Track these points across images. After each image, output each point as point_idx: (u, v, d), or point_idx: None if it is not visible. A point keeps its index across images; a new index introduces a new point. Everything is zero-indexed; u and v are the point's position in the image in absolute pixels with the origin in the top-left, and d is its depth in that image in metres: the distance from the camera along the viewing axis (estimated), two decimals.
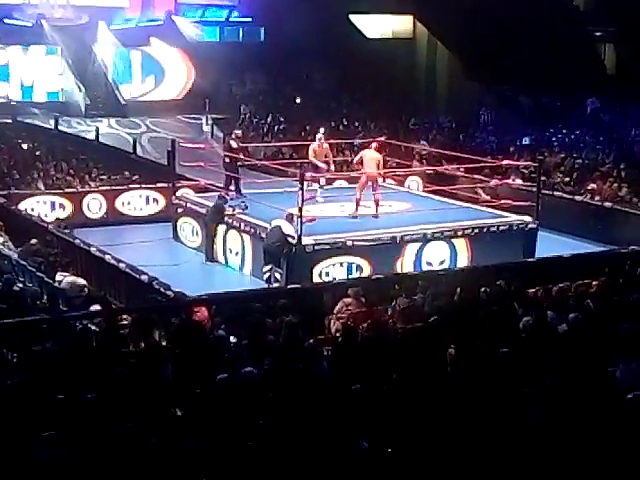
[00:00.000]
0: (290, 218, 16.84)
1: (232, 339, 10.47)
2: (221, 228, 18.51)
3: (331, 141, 26.02)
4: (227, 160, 20.24)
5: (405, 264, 17.43)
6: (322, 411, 7.73)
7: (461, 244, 17.94)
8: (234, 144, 20.43)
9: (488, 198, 20.67)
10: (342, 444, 7.04)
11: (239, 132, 21.37)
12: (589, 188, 22.52)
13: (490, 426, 7.50)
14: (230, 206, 18.59)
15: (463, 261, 17.82)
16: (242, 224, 18.13)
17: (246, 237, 18.00)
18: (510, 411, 7.81)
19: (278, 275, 16.57)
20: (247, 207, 18.42)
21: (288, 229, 16.71)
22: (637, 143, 26.14)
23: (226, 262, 18.56)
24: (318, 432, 7.29)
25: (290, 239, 16.66)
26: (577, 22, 32.26)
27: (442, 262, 17.71)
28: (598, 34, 32.83)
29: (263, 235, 17.21)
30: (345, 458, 6.89)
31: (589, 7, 32.90)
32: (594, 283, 13.10)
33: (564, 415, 7.66)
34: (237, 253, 18.28)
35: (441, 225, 17.97)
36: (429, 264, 17.59)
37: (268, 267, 16.70)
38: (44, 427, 7.24)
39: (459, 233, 17.97)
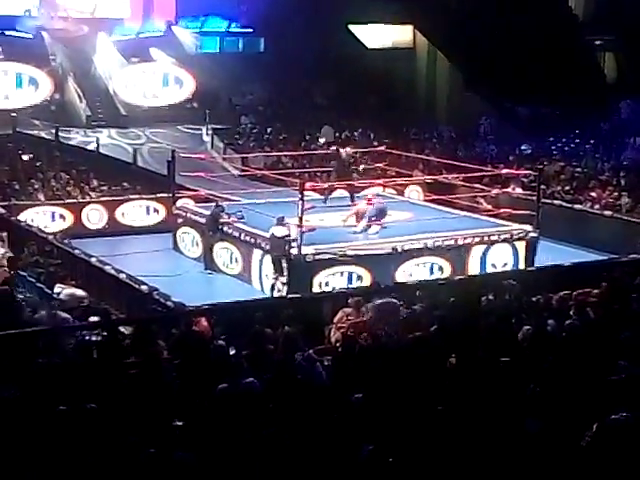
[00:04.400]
0: (280, 221, 16.90)
1: (231, 350, 10.46)
2: (219, 237, 18.52)
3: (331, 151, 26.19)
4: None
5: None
6: (322, 421, 7.72)
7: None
8: (344, 154, 20.75)
9: (489, 207, 20.69)
10: (342, 454, 7.03)
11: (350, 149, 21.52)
12: (589, 196, 22.56)
13: (489, 434, 7.48)
14: (227, 214, 18.64)
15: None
16: (241, 233, 18.15)
17: (244, 246, 18.02)
18: (509, 419, 7.80)
19: (280, 284, 16.58)
20: (243, 217, 18.46)
21: (281, 232, 16.75)
22: (635, 150, 26.16)
23: (225, 271, 18.57)
24: (318, 442, 7.29)
25: (286, 240, 16.67)
26: (576, 31, 32.29)
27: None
28: (598, 43, 32.86)
29: (263, 245, 17.25)
30: (345, 468, 6.89)
31: (588, 16, 32.93)
32: (594, 292, 13.08)
33: (562, 423, 7.66)
34: (235, 261, 18.30)
35: (441, 235, 18.00)
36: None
37: (273, 276, 16.73)
38: (44, 439, 7.23)
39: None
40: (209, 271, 18.75)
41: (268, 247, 17.07)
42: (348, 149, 21.19)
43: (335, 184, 20.94)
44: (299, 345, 10.14)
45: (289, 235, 16.80)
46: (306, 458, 7.04)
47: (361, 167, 21.01)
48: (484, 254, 18.27)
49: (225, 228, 18.54)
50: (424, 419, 7.89)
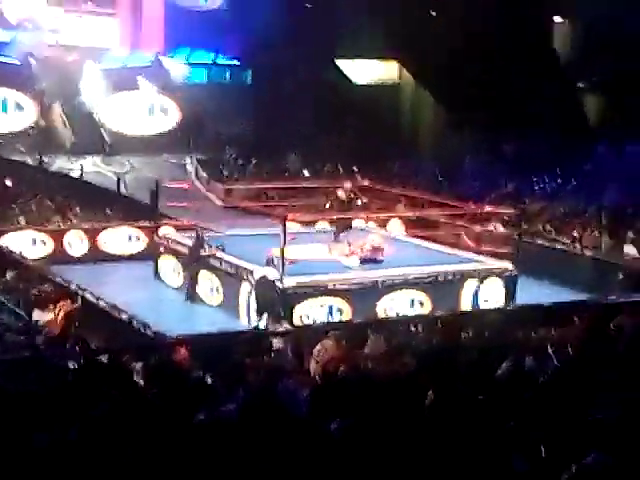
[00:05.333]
0: (270, 261, 16.91)
1: (209, 379, 10.44)
2: (200, 267, 18.49)
3: (316, 185, 26.30)
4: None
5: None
6: (301, 451, 7.71)
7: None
8: (343, 196, 20.30)
9: (471, 244, 20.82)
10: None
11: (348, 185, 20.82)
12: (570, 236, 22.71)
13: (473, 470, 7.49)
14: (209, 245, 18.62)
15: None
16: (222, 264, 18.14)
17: (227, 277, 17.99)
18: (493, 456, 7.80)
19: (262, 324, 16.49)
20: (224, 249, 18.44)
21: (273, 274, 16.74)
22: (617, 191, 26.35)
23: (205, 301, 18.54)
24: (297, 473, 7.28)
25: (277, 283, 16.68)
26: (560, 72, 32.61)
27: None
28: (581, 85, 33.21)
29: (249, 278, 17.20)
30: None
31: (571, 58, 33.29)
32: (573, 331, 13.16)
33: (542, 462, 7.67)
34: (217, 292, 18.27)
35: (423, 270, 18.06)
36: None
37: (258, 318, 16.64)
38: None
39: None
40: (189, 301, 18.66)
41: (256, 289, 16.99)
42: (347, 185, 20.73)
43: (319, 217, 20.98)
44: (279, 375, 10.14)
45: (280, 279, 16.76)
46: None
47: (359, 202, 20.67)
48: (465, 290, 18.32)
49: (207, 259, 18.47)
50: (404, 452, 7.89)
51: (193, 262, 18.66)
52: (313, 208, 24.23)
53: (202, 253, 18.49)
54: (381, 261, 18.59)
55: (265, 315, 16.42)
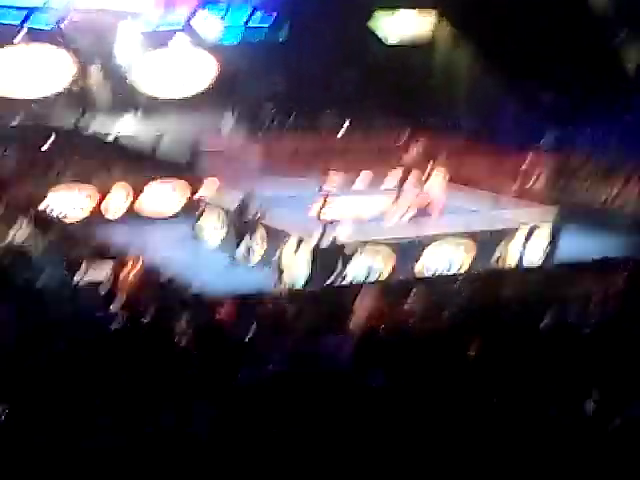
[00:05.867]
0: (330, 223, 17.04)
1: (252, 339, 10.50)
2: (247, 229, 18.37)
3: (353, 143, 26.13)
4: None
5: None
6: (342, 409, 7.74)
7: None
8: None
9: (514, 196, 20.77)
10: (363, 439, 7.06)
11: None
12: (611, 189, 22.50)
13: (515, 423, 7.50)
14: (255, 209, 18.34)
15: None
16: (268, 227, 17.99)
17: (273, 236, 17.85)
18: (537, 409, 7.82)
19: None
20: (270, 210, 18.24)
21: (334, 233, 16.79)
22: None
23: (250, 262, 18.45)
24: (339, 431, 7.31)
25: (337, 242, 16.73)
26: (602, 22, 32.06)
27: None
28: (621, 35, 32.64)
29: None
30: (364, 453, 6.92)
31: (613, 8, 32.72)
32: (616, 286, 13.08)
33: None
34: (261, 253, 18.19)
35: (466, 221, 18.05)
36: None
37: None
38: None
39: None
40: (235, 261, 18.46)
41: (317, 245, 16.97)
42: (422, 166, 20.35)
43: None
44: (321, 332, 10.19)
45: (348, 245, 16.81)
46: (328, 445, 7.06)
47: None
48: (510, 242, 18.30)
49: (254, 220, 18.30)
50: (446, 408, 7.90)
51: (240, 224, 18.43)
52: (353, 166, 24.17)
53: (249, 215, 18.26)
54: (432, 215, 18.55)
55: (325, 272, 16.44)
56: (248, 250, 18.31)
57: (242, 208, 18.45)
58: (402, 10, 36.70)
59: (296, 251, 17.08)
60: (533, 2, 30.25)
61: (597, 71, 29.24)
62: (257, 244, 18.29)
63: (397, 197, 19.31)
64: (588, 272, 14.75)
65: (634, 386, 8.52)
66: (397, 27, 37.44)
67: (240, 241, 18.49)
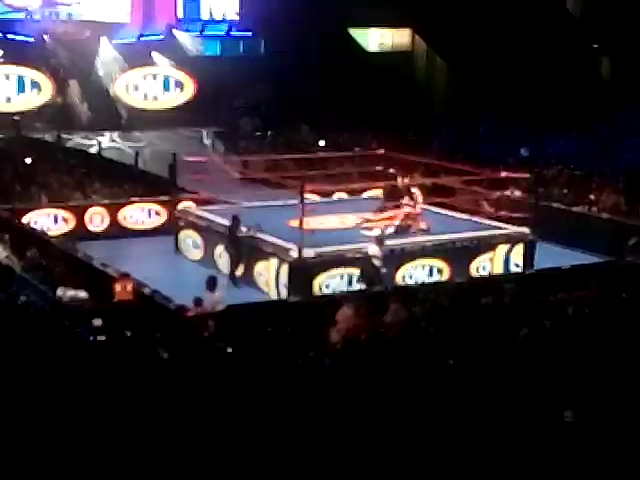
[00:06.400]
0: (380, 241, 17.03)
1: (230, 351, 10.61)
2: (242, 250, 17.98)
3: (330, 154, 26.34)
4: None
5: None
6: (322, 419, 7.86)
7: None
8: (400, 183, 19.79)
9: (491, 210, 20.86)
10: (343, 452, 7.18)
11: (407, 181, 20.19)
12: (587, 199, 22.72)
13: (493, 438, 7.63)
14: (246, 226, 18.04)
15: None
16: (262, 245, 17.81)
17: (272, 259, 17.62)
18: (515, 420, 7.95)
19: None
20: (262, 229, 17.94)
21: (373, 250, 16.89)
22: (632, 152, 26.29)
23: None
24: (320, 443, 7.43)
25: (375, 260, 16.78)
26: (574, 34, 32.44)
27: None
28: (595, 46, 33.03)
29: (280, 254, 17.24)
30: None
31: (585, 19, 33.10)
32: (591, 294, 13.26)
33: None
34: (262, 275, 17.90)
35: (441, 237, 18.15)
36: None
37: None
38: None
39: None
40: (237, 285, 17.83)
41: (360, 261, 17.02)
42: (406, 180, 20.25)
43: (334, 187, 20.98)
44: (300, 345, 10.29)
45: (378, 256, 16.86)
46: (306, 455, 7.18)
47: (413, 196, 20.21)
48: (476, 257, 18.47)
49: (247, 241, 17.94)
50: (424, 418, 8.03)
51: (232, 244, 18.07)
52: (330, 179, 24.34)
53: (240, 234, 17.94)
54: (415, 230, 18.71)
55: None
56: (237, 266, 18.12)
57: (234, 227, 18.06)
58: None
59: (276, 264, 17.18)
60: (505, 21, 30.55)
61: (566, 85, 29.61)
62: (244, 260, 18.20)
63: (376, 210, 19.47)
64: (562, 280, 14.98)
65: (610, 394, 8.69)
66: (375, 39, 37.82)
67: (236, 260, 18.02)
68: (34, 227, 20.38)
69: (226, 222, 18.93)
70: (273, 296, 17.06)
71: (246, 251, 17.93)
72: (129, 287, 14.41)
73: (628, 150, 26.54)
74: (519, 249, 18.74)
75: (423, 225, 18.81)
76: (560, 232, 20.67)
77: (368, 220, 19.07)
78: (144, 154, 29.69)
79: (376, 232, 18.24)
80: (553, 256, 19.05)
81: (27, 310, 12.74)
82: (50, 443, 7.39)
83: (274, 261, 17.30)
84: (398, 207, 19.01)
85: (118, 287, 14.36)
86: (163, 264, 19.56)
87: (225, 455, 7.33)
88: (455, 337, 11.00)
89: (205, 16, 35.31)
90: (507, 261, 18.70)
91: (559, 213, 21.77)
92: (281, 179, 21.10)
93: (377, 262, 16.79)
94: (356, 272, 17.08)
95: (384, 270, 16.84)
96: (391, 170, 21.81)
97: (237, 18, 35.27)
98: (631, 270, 15.75)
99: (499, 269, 18.55)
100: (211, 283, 14.49)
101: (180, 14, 34.96)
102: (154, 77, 33.58)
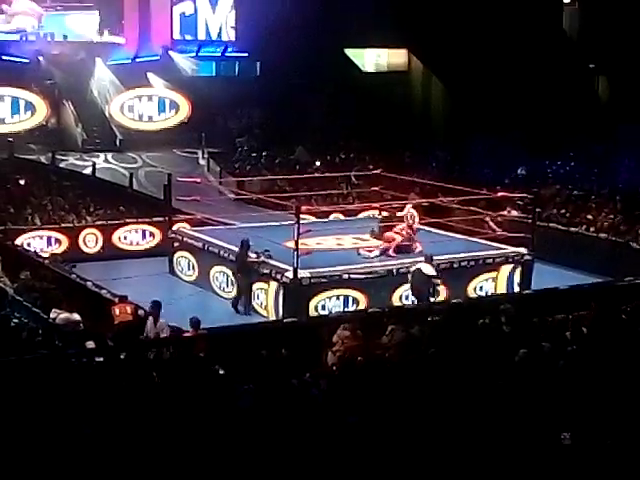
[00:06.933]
0: (429, 259, 16.96)
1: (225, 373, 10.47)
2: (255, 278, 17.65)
3: (327, 175, 26.27)
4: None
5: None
6: (318, 443, 7.72)
7: None
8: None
9: (497, 229, 20.81)
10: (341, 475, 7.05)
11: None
12: (585, 219, 22.65)
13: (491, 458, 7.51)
14: (255, 252, 17.72)
15: None
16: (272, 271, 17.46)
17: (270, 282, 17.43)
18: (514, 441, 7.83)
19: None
20: (271, 255, 17.61)
21: (428, 270, 16.83)
22: (630, 172, 26.26)
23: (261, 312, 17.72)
24: (315, 467, 7.29)
25: (433, 279, 16.81)
26: (570, 54, 32.50)
27: None
28: (591, 66, 33.08)
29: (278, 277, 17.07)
30: None
31: (581, 39, 33.18)
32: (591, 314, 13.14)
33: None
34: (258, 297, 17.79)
35: (438, 258, 18.03)
36: None
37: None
38: None
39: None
40: (244, 313, 17.59)
41: (412, 279, 17.04)
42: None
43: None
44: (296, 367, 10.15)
45: (436, 275, 16.91)
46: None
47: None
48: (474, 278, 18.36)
49: (257, 267, 17.62)
50: (421, 441, 7.90)
51: (241, 270, 17.72)
52: (327, 199, 24.28)
53: (249, 260, 17.60)
54: (413, 251, 18.60)
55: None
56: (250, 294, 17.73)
57: (242, 255, 17.65)
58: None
59: (273, 285, 17.07)
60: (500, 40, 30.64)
61: (563, 105, 29.63)
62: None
63: (372, 231, 19.38)
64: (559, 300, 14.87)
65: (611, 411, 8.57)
66: (372, 60, 37.89)
67: (246, 288, 17.64)
68: (27, 249, 20.24)
69: (220, 243, 18.87)
70: (272, 317, 16.97)
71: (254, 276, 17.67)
72: (129, 309, 14.34)
73: (625, 170, 26.47)
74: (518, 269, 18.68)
75: (418, 246, 18.72)
76: (557, 252, 20.59)
77: (364, 243, 18.97)
78: (139, 175, 29.62)
79: (375, 253, 18.20)
80: (550, 276, 18.95)
81: (20, 332, 12.62)
82: (41, 465, 7.26)
83: (273, 283, 17.16)
84: (394, 228, 18.92)
85: (117, 310, 14.27)
86: (158, 285, 19.43)
87: (219, 478, 7.20)
88: (452, 357, 10.87)
89: (201, 36, 35.39)
90: (511, 281, 18.62)
91: (556, 233, 21.70)
92: (277, 200, 20.99)
93: (436, 281, 16.88)
94: (355, 294, 17.01)
95: (439, 287, 16.94)
96: (380, 191, 21.83)
97: (233, 39, 35.34)
98: (630, 290, 15.61)
99: (502, 289, 18.46)
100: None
101: (176, 35, 35.03)
102: (149, 98, 33.59)
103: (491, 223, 21.27)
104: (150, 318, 13.79)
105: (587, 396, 9.22)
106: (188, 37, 35.31)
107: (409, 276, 17.19)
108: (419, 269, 16.93)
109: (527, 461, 7.51)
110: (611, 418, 8.50)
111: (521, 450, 7.72)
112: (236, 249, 18.15)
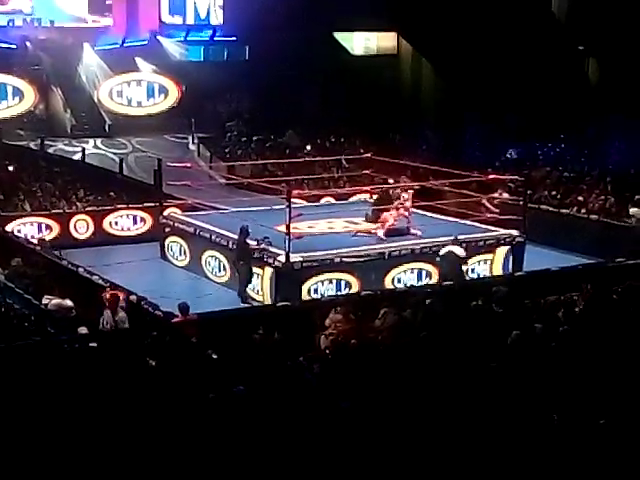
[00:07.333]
0: (458, 242, 17.13)
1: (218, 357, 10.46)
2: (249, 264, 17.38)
3: (318, 159, 26.22)
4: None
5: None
6: (311, 428, 7.72)
7: None
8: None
9: (496, 210, 20.82)
10: (332, 459, 7.05)
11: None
12: (575, 200, 22.69)
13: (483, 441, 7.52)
14: (255, 239, 17.49)
15: None
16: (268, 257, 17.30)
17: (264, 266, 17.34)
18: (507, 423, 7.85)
19: None
20: (271, 242, 17.38)
21: (460, 252, 17.00)
22: (620, 154, 26.30)
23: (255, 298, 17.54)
24: (308, 451, 7.29)
25: (464, 260, 17.06)
26: (560, 36, 32.45)
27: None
28: (581, 48, 33.05)
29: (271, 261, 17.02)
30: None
31: (570, 21, 33.13)
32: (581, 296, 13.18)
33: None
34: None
35: (432, 240, 18.04)
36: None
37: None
38: None
39: None
40: (247, 302, 17.23)
41: (443, 263, 17.13)
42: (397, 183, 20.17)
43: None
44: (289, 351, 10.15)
45: (465, 257, 17.10)
46: (296, 464, 7.05)
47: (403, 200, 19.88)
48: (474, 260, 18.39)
49: (257, 254, 17.42)
50: (414, 423, 7.90)
51: (241, 257, 17.45)
52: (318, 183, 24.23)
53: (249, 247, 17.40)
54: (407, 232, 18.62)
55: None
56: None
57: (242, 239, 17.43)
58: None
59: (266, 269, 17.04)
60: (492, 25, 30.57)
61: (553, 87, 29.61)
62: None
63: (367, 215, 19.38)
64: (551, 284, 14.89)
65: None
66: (360, 43, 37.77)
67: (246, 276, 17.39)
68: (18, 235, 20.16)
69: (211, 227, 18.83)
70: (266, 301, 16.96)
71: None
72: (119, 295, 14.26)
73: (615, 151, 26.50)
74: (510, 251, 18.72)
75: (415, 230, 18.73)
76: (549, 234, 20.63)
77: (359, 226, 18.98)
78: (129, 160, 29.52)
79: (380, 233, 18.23)
80: (542, 258, 18.99)
81: (11, 319, 12.59)
82: (34, 451, 7.25)
83: (268, 269, 17.12)
84: (389, 210, 18.88)
85: (108, 295, 14.19)
86: (149, 270, 19.40)
87: (214, 461, 7.19)
88: (445, 340, 10.89)
89: (190, 19, 35.20)
90: (507, 264, 18.66)
91: (548, 215, 21.73)
92: (268, 184, 20.94)
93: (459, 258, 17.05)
94: (347, 277, 17.02)
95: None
96: (383, 176, 21.83)
97: (221, 21, 35.16)
98: (621, 271, 15.66)
99: (498, 271, 18.53)
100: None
101: (164, 16, 34.81)
102: (138, 83, 33.43)
103: (487, 204, 21.27)
104: (107, 310, 13.36)
105: (579, 376, 9.26)
106: (177, 18, 35.09)
107: (437, 259, 17.35)
108: (451, 251, 17.07)
109: (520, 442, 7.53)
110: (604, 398, 8.53)
111: (514, 431, 7.74)
112: (227, 233, 18.13)
